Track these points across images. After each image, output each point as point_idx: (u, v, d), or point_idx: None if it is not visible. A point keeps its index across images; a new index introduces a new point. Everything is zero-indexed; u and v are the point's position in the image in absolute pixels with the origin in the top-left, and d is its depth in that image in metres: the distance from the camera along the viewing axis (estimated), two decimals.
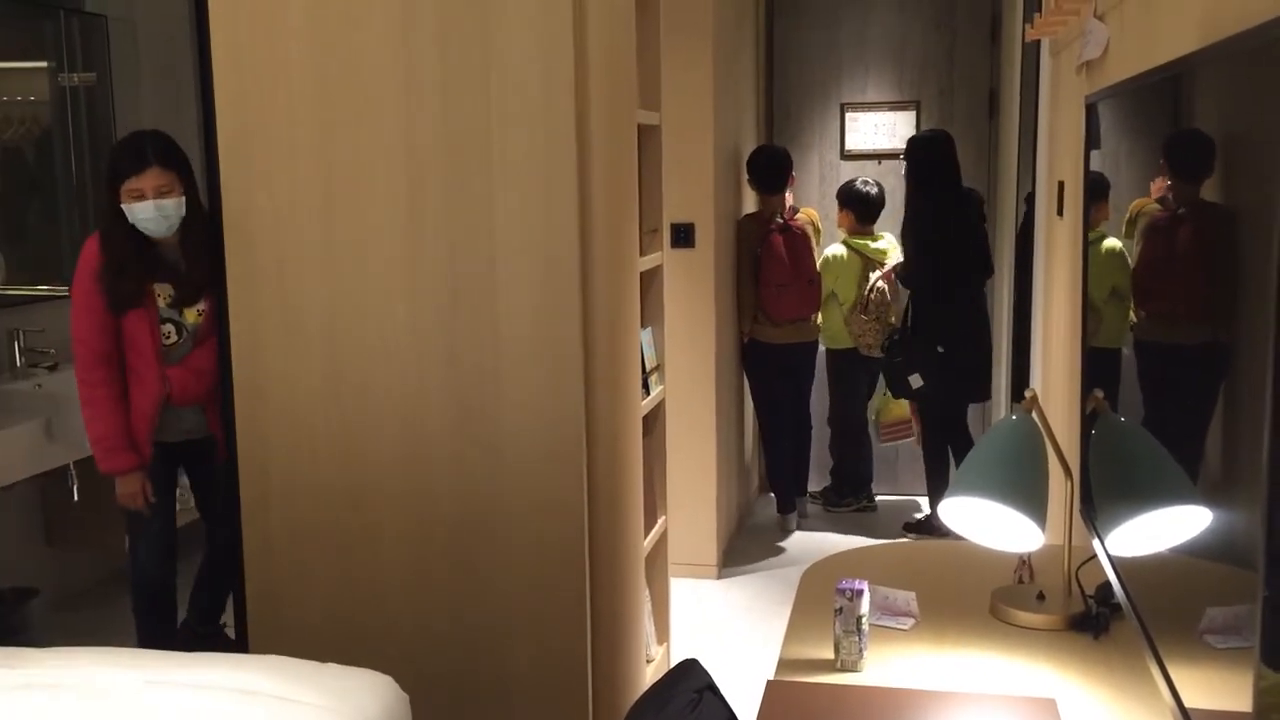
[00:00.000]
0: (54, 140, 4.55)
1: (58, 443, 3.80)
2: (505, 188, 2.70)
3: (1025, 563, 2.37)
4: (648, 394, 3.25)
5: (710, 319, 4.76)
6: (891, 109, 5.87)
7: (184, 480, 3.62)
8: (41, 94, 4.51)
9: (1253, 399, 1.21)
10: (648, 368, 3.27)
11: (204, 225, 3.12)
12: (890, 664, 2.12)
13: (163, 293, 3.26)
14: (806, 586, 2.50)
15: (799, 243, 5.13)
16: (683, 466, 4.51)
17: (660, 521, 3.44)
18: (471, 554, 2.82)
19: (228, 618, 3.37)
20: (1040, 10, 3.78)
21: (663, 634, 3.51)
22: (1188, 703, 1.53)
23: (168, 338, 3.28)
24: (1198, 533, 1.50)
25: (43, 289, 4.41)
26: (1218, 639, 1.42)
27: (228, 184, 2.85)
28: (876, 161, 5.88)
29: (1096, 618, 2.20)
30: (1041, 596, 2.29)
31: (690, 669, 2.15)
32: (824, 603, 2.25)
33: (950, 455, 5.14)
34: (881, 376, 5.30)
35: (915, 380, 5.00)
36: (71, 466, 3.97)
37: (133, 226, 3.19)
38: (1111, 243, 2.26)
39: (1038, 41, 4.04)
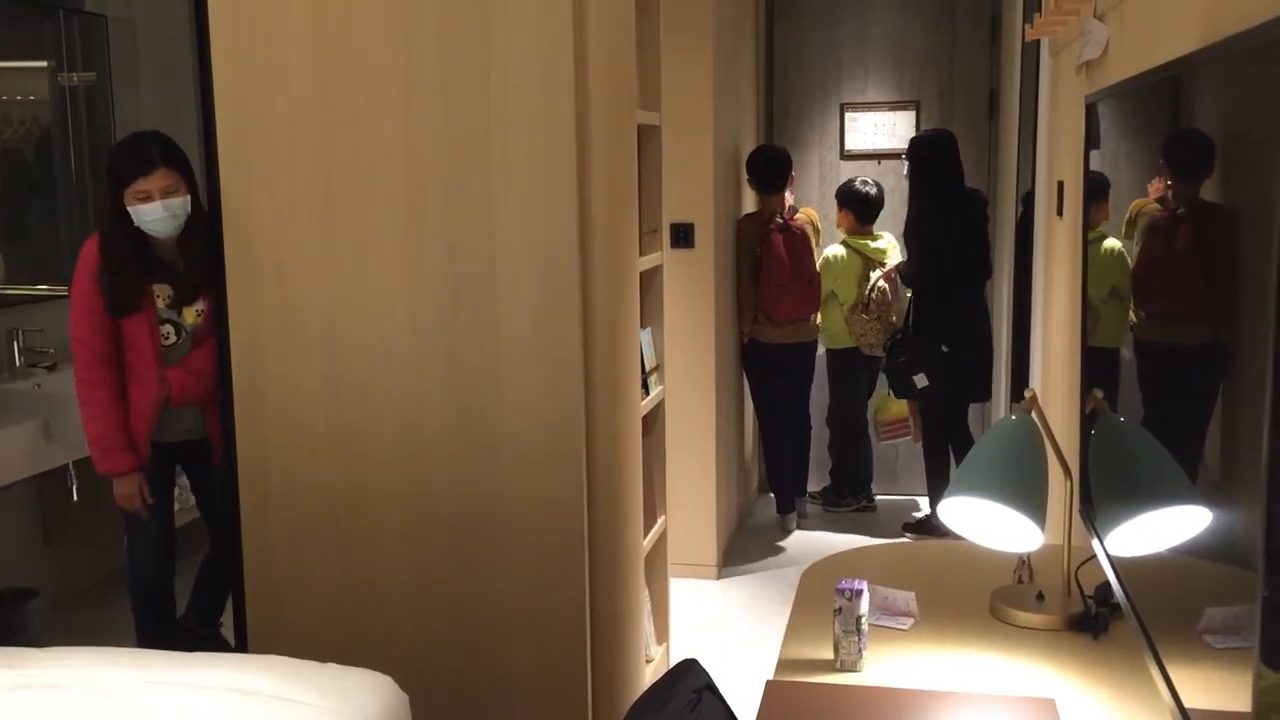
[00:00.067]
0: (54, 140, 4.55)
1: (57, 443, 3.80)
2: (505, 188, 2.70)
3: (1025, 563, 2.37)
4: (647, 394, 3.25)
5: (710, 319, 4.76)
6: (891, 109, 5.87)
7: (183, 480, 3.63)
8: (41, 94, 4.51)
9: (1252, 399, 1.21)
10: (647, 368, 3.27)
11: (203, 224, 3.12)
12: (890, 664, 2.12)
13: (161, 293, 3.26)
14: (806, 586, 2.50)
15: (799, 243, 5.13)
16: (683, 466, 4.51)
17: (660, 521, 3.44)
18: (471, 554, 2.82)
19: (227, 619, 3.37)
20: (1040, 10, 3.78)
21: (662, 634, 3.51)
22: (1187, 703, 1.53)
23: (167, 338, 3.28)
24: (1197, 533, 1.50)
25: (42, 289, 4.41)
26: (1217, 639, 1.42)
27: (228, 185, 2.85)
28: (876, 161, 5.88)
29: (1096, 618, 2.20)
30: (1041, 596, 2.29)
31: (689, 669, 2.15)
32: (823, 603, 2.25)
33: (951, 455, 5.14)
34: (883, 376, 5.30)
35: (921, 380, 5.00)
36: (70, 467, 3.97)
37: (134, 228, 3.19)
38: (1111, 243, 2.26)
39: (1037, 41, 4.04)
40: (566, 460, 2.75)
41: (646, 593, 3.31)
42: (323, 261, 2.82)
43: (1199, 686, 1.50)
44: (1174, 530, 1.66)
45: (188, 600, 3.62)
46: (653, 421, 3.40)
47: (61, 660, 2.37)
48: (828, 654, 2.12)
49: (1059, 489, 2.26)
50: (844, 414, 5.51)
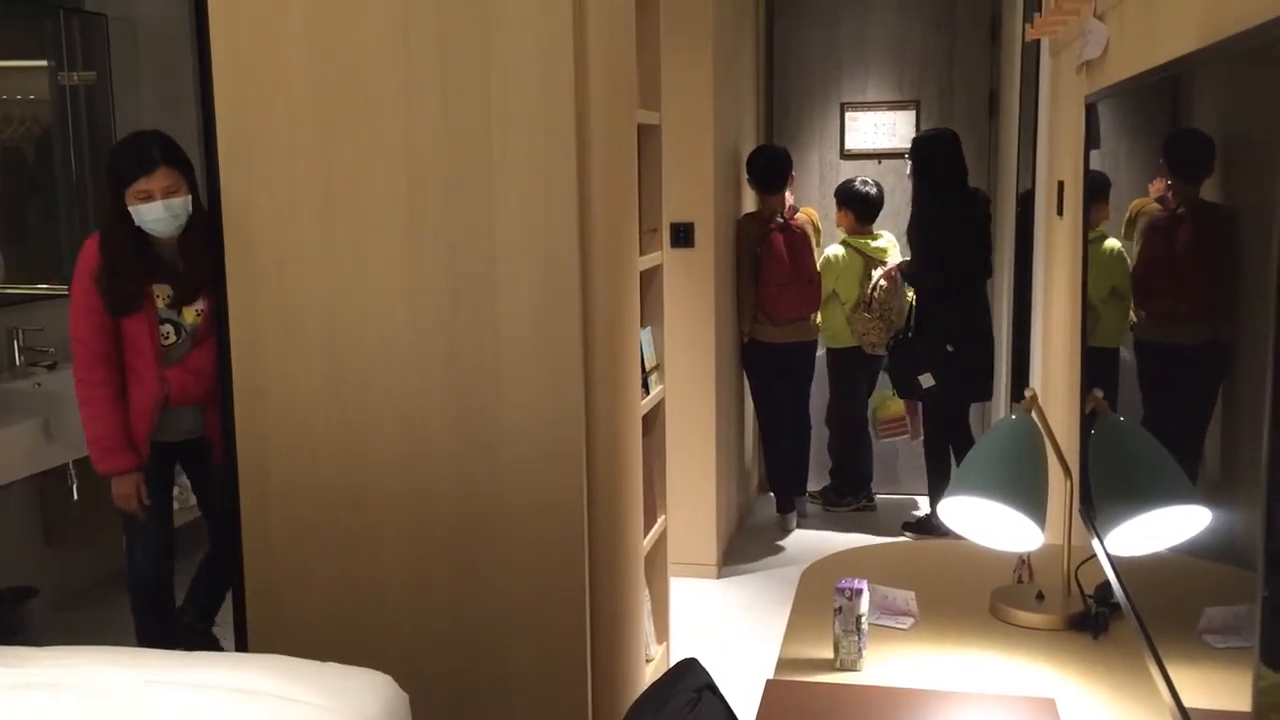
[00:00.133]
0: (54, 139, 4.55)
1: (56, 442, 3.80)
2: (505, 188, 2.70)
3: (1025, 562, 2.37)
4: (647, 394, 3.25)
5: (710, 319, 4.76)
6: (891, 109, 5.87)
7: (183, 480, 3.63)
8: (41, 93, 4.51)
9: (1253, 399, 1.21)
10: (647, 367, 3.27)
11: (204, 224, 3.12)
12: (889, 663, 2.12)
13: (161, 293, 3.26)
14: (806, 586, 2.50)
15: (799, 242, 5.13)
16: (683, 466, 4.51)
17: (660, 521, 3.44)
18: (471, 554, 2.83)
19: (226, 618, 3.37)
20: (1040, 10, 3.78)
21: (662, 633, 3.51)
22: (1187, 702, 1.53)
23: (166, 338, 3.28)
24: (1197, 533, 1.50)
25: (42, 288, 4.41)
26: (1217, 639, 1.42)
27: (228, 184, 2.85)
28: (876, 161, 5.88)
29: (1096, 617, 2.20)
30: (1041, 596, 2.29)
31: (689, 668, 2.15)
32: (823, 602, 2.25)
33: (951, 454, 5.14)
34: (884, 375, 5.30)
35: (926, 380, 4.99)
36: (70, 466, 3.97)
37: (135, 227, 3.19)
38: (1111, 243, 2.26)
39: (1037, 41, 4.04)
40: (566, 459, 2.75)
41: (646, 592, 3.31)
42: (323, 261, 2.82)
43: (1199, 686, 1.50)
44: (1174, 530, 1.66)
45: (185, 593, 3.62)
46: (653, 421, 3.40)
47: (61, 659, 2.37)
48: (828, 653, 2.12)
49: (1059, 489, 2.26)
50: (844, 413, 5.51)
